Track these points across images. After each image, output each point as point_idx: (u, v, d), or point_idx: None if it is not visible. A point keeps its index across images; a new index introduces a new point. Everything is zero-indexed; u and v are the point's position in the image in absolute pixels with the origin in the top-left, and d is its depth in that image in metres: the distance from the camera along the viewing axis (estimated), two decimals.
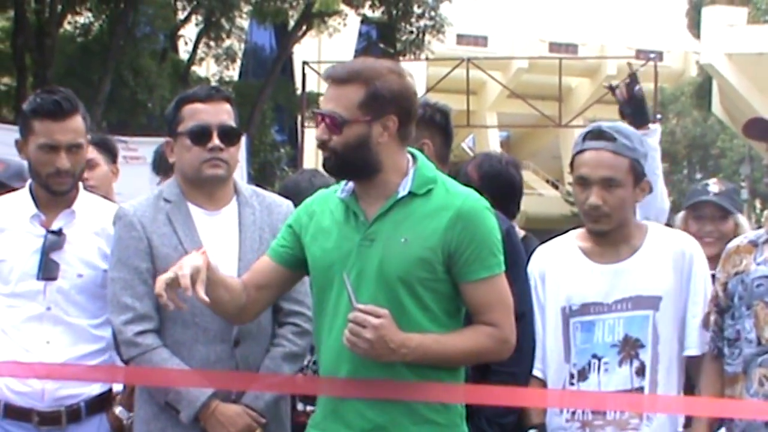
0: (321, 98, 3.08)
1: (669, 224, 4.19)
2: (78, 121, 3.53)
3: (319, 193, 3.20)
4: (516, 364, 3.35)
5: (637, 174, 3.43)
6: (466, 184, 3.93)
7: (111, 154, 4.98)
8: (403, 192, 3.01)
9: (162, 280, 2.91)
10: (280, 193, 3.83)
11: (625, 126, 3.56)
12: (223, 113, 3.48)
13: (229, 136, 3.46)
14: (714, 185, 4.38)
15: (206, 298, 2.91)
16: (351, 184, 3.07)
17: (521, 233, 4.35)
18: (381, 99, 2.97)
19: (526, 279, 3.56)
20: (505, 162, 4.42)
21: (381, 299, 2.92)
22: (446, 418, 3.03)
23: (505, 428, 3.51)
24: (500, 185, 4.29)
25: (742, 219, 4.31)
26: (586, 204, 3.41)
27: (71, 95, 3.55)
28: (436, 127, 3.75)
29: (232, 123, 3.49)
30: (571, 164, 3.49)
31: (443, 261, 2.97)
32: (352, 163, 3.00)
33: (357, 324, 2.85)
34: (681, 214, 4.42)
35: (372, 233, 3.00)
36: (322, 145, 3.02)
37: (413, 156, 3.10)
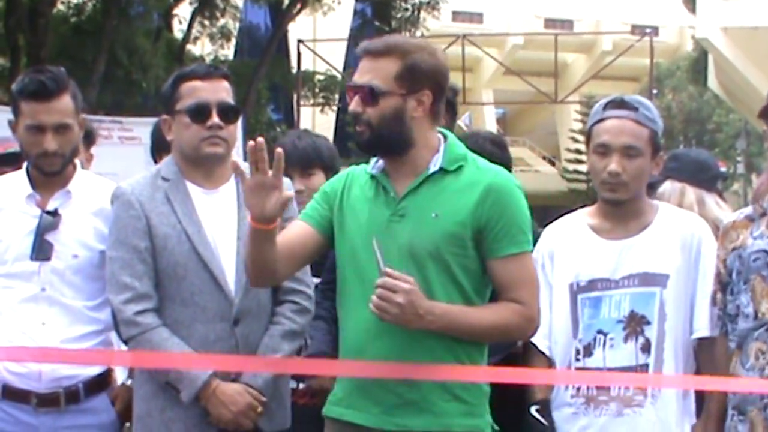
0: (354, 73, 3.07)
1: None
2: (65, 102, 3.46)
3: (353, 168, 3.19)
4: None
5: (655, 146, 3.43)
6: None
7: (88, 139, 4.91)
8: (434, 168, 3.03)
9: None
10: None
11: (644, 98, 3.54)
12: (222, 91, 3.45)
13: (228, 114, 3.43)
14: None
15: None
16: (381, 161, 3.07)
17: None
18: (418, 73, 2.98)
19: None
20: (484, 139, 4.38)
21: (410, 274, 2.91)
22: (474, 397, 3.05)
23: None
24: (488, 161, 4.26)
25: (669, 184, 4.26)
26: (606, 171, 3.39)
27: (59, 74, 3.48)
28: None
29: (231, 101, 3.46)
30: (588, 134, 3.47)
31: (473, 236, 2.98)
32: (386, 137, 3.00)
33: (386, 289, 2.84)
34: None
35: (402, 209, 3.01)
36: (356, 118, 3.01)
37: (443, 135, 3.11)
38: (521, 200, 3.04)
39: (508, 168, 4.44)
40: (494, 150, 4.38)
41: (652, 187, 4.21)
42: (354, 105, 3.01)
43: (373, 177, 3.08)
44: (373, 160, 3.11)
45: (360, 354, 3.00)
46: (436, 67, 3.02)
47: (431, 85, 3.00)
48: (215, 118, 3.38)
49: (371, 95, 2.97)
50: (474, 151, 4.27)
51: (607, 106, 3.45)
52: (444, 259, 2.97)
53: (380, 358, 2.96)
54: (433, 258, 2.96)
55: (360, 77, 3.01)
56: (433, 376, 2.97)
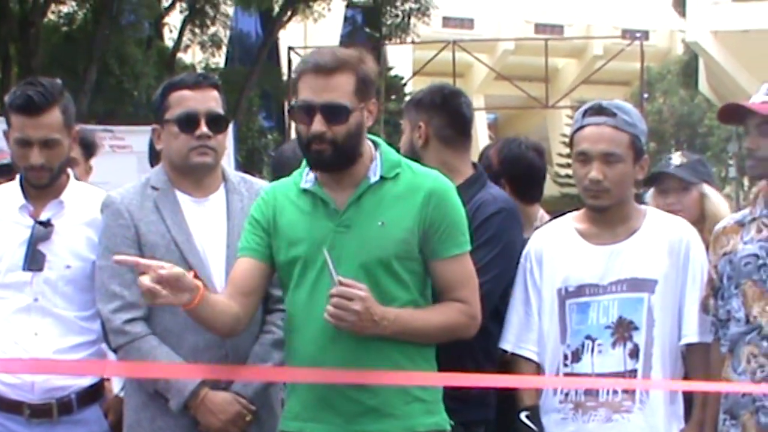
0: (304, 90, 3.01)
1: (643, 201, 4.18)
2: (54, 116, 3.46)
3: (274, 186, 3.19)
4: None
5: (637, 150, 3.42)
6: (486, 168, 3.96)
7: (88, 151, 4.93)
8: (374, 177, 3.05)
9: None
10: (271, 166, 3.84)
11: (624, 103, 3.55)
12: (211, 100, 3.45)
13: (217, 124, 3.44)
14: (677, 158, 4.37)
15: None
16: (312, 173, 3.07)
17: (546, 218, 4.35)
18: (368, 83, 3.02)
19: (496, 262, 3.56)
20: (525, 147, 4.44)
21: (361, 282, 2.94)
22: (432, 395, 3.10)
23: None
24: (520, 170, 4.32)
25: (707, 188, 4.24)
26: (587, 179, 3.39)
27: (51, 88, 3.47)
28: (434, 108, 3.74)
29: (220, 110, 3.47)
30: (571, 141, 3.48)
31: (418, 240, 3.04)
32: (349, 153, 3.01)
33: (343, 297, 2.87)
34: (650, 190, 4.41)
35: (346, 219, 3.02)
36: (318, 137, 2.97)
37: (374, 142, 3.13)
38: (459, 202, 3.13)
39: (544, 176, 4.49)
40: (535, 157, 4.43)
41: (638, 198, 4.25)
42: (318, 125, 2.96)
43: (305, 191, 3.07)
44: (300, 172, 3.10)
45: (315, 364, 3.00)
46: (375, 74, 3.05)
47: (374, 92, 3.04)
48: (204, 128, 3.39)
49: (339, 113, 2.96)
50: (517, 158, 4.34)
51: (586, 113, 3.45)
52: (393, 265, 3.01)
53: (336, 367, 2.98)
54: (383, 265, 3.00)
55: (317, 95, 2.97)
56: (411, 382, 3.02)
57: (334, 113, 2.96)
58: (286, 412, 3.15)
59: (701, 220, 4.02)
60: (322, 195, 3.05)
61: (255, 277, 3.09)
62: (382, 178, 3.05)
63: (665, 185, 4.27)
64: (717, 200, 4.23)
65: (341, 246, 2.99)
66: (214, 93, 3.47)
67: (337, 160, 3.01)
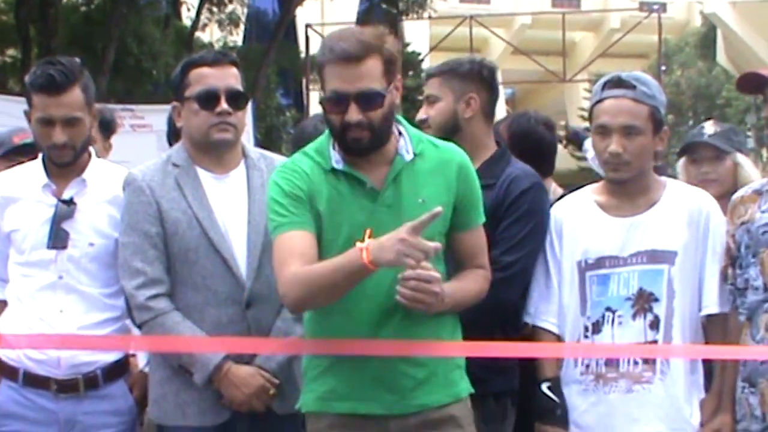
0: (333, 80, 2.95)
1: (672, 174, 4.17)
2: (75, 95, 3.47)
3: (296, 161, 3.08)
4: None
5: (657, 122, 3.41)
6: (498, 143, 3.97)
7: (107, 130, 4.94)
8: (408, 155, 3.05)
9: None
10: (292, 143, 3.84)
11: (643, 74, 3.53)
12: (231, 77, 3.46)
13: (237, 100, 3.45)
14: (710, 127, 4.34)
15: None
16: (338, 153, 3.03)
17: (559, 191, 4.35)
18: (393, 63, 3.00)
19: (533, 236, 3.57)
20: (534, 121, 4.45)
21: None
22: (464, 362, 3.17)
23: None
24: (529, 144, 4.33)
25: (741, 157, 4.24)
26: (607, 152, 3.39)
27: (71, 67, 3.49)
28: (483, 82, 3.74)
29: (240, 87, 3.48)
30: (590, 114, 3.47)
31: (452, 213, 3.08)
32: (385, 135, 3.02)
33: (423, 280, 2.85)
34: (681, 161, 4.40)
35: (387, 198, 3.01)
36: (356, 125, 2.94)
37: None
38: (476, 175, 3.17)
39: (555, 149, 4.51)
40: (545, 131, 4.44)
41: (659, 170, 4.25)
42: (354, 114, 2.93)
43: (336, 171, 3.03)
44: (318, 150, 3.06)
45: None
46: (396, 50, 3.02)
47: (398, 69, 3.04)
48: (224, 105, 3.40)
49: (375, 99, 2.94)
50: (526, 132, 4.36)
51: (605, 86, 3.44)
52: (435, 239, 2.96)
53: None
54: (428, 240, 2.94)
55: (350, 85, 2.92)
56: (451, 353, 3.06)
57: (369, 101, 2.94)
58: (326, 393, 3.08)
59: (735, 188, 4.00)
60: (357, 175, 3.02)
61: (316, 250, 2.96)
62: (414, 155, 3.05)
63: (699, 154, 4.27)
64: (750, 169, 4.21)
65: (384, 225, 2.93)
66: (234, 70, 3.48)
67: (375, 143, 2.99)
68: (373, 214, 2.99)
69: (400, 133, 3.09)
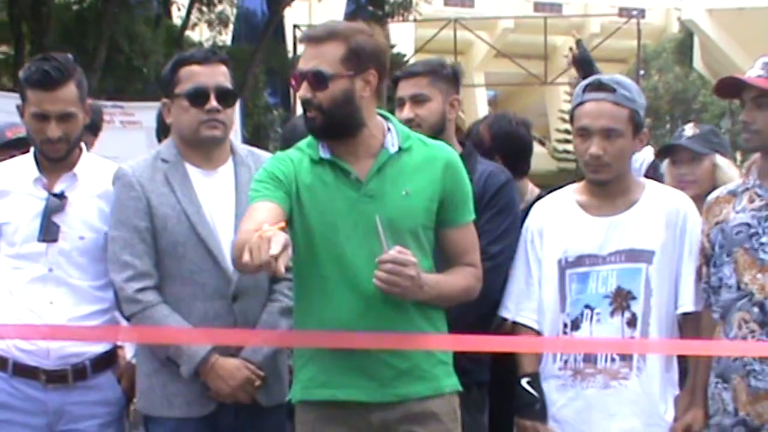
0: (300, 59, 3.05)
1: (656, 177, 4.19)
2: (69, 90, 3.45)
3: (287, 153, 3.12)
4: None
5: (637, 124, 3.42)
6: (477, 144, 3.98)
7: (93, 126, 4.90)
8: (393, 148, 3.06)
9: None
10: (281, 140, 3.84)
11: (624, 78, 3.54)
12: (220, 75, 3.45)
13: (226, 98, 3.44)
14: (689, 129, 4.37)
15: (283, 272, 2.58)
16: (326, 145, 3.05)
17: (536, 191, 4.38)
18: (361, 54, 2.99)
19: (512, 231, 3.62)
20: (515, 122, 4.48)
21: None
22: (449, 357, 3.15)
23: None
24: (511, 145, 4.36)
25: (719, 159, 4.24)
26: (587, 154, 3.40)
27: (65, 63, 3.46)
28: (457, 86, 3.79)
29: (229, 85, 3.47)
30: (571, 117, 3.48)
31: (437, 208, 3.07)
32: (338, 120, 3.00)
33: (398, 264, 2.85)
34: (665, 161, 4.42)
35: (370, 190, 3.01)
36: (306, 103, 3.00)
37: (383, 116, 3.13)
38: (466, 173, 3.16)
39: (531, 150, 4.53)
40: (525, 133, 4.49)
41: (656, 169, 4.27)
42: (303, 91, 2.99)
43: (323, 161, 3.04)
44: (310, 143, 3.07)
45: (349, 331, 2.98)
46: (378, 47, 3.03)
47: (375, 65, 3.01)
48: (213, 102, 3.39)
49: (320, 80, 2.96)
50: (508, 134, 4.39)
51: (586, 89, 3.45)
52: (418, 233, 3.03)
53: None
54: (411, 233, 3.01)
55: (305, 64, 3.00)
56: (432, 346, 3.04)
57: (316, 80, 2.97)
58: (307, 381, 3.08)
59: (713, 189, 4.01)
60: (341, 165, 3.03)
61: (277, 218, 2.88)
62: (400, 149, 3.06)
63: (677, 156, 4.29)
64: (729, 170, 4.22)
65: (366, 215, 2.96)
66: (223, 68, 3.47)
67: (327, 126, 3.00)
68: (356, 204, 2.99)
69: (388, 129, 3.10)
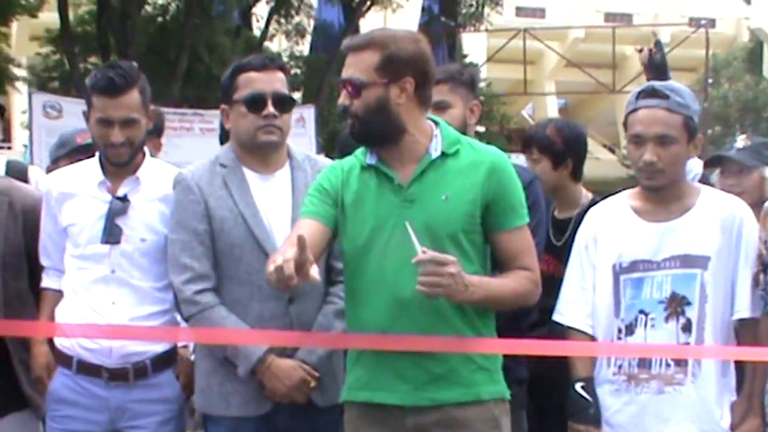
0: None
1: (709, 182, 4.12)
2: (133, 97, 3.47)
3: (339, 161, 3.14)
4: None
5: (691, 130, 3.33)
6: (547, 148, 3.90)
7: (155, 129, 4.92)
8: (435, 153, 3.01)
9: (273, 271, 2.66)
10: (337, 147, 3.83)
11: (677, 84, 3.46)
12: (277, 81, 3.44)
13: (283, 104, 3.42)
14: (740, 141, 4.31)
15: (318, 278, 2.66)
16: (374, 151, 3.03)
17: (590, 196, 4.30)
18: (396, 61, 2.94)
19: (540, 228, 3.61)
20: (581, 128, 4.41)
21: None
22: (493, 364, 3.07)
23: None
24: (583, 150, 4.30)
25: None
26: (641, 161, 3.32)
27: (129, 71, 3.49)
28: (473, 91, 3.76)
29: (286, 91, 3.46)
30: (625, 123, 3.40)
31: (481, 213, 2.99)
32: (375, 126, 2.96)
33: (437, 263, 2.77)
34: (717, 171, 4.36)
35: (411, 194, 2.97)
36: (344, 111, 2.98)
37: (434, 121, 3.09)
38: (516, 177, 3.07)
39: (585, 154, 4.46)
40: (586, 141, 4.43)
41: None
42: (341, 99, 2.98)
43: (370, 167, 3.03)
44: (363, 151, 3.06)
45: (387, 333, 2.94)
46: (417, 55, 2.97)
47: (413, 72, 2.96)
48: (270, 108, 3.38)
49: (354, 87, 2.94)
50: (577, 138, 4.30)
51: (639, 96, 3.37)
52: (459, 239, 2.95)
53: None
54: (451, 238, 2.94)
55: (345, 72, 2.99)
56: (474, 349, 2.97)
57: (352, 89, 2.95)
58: (352, 382, 3.08)
59: (763, 200, 3.91)
60: (385, 170, 3.00)
61: (317, 239, 2.95)
62: (443, 153, 3.00)
63: (725, 167, 4.22)
64: None
65: (405, 220, 2.89)
66: (280, 75, 3.46)
67: (364, 133, 2.98)
68: (397, 209, 2.95)
69: (435, 135, 3.05)
